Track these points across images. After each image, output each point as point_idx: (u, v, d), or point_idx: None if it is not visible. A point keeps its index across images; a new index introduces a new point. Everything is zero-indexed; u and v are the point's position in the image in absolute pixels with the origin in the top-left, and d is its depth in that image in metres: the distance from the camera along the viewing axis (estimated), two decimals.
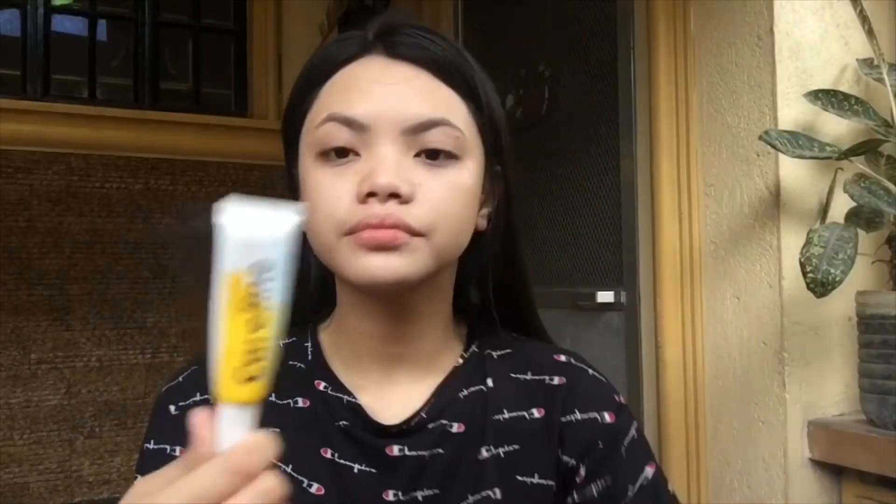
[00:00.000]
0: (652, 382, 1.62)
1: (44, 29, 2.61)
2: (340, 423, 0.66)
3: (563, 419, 0.69)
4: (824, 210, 1.34)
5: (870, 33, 1.31)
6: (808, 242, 1.18)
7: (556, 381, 0.71)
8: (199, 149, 2.66)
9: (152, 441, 0.66)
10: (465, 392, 0.69)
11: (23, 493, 2.41)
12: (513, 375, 0.71)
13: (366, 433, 0.65)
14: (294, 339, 0.72)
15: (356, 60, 0.64)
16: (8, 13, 2.61)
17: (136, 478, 0.63)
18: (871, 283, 1.37)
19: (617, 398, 0.71)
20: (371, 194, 0.58)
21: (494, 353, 0.73)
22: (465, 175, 0.63)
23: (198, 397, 0.67)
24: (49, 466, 2.45)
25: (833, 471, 1.36)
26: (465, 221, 0.64)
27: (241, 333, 0.39)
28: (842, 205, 1.30)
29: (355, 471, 0.65)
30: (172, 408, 0.67)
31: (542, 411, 0.69)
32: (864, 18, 1.31)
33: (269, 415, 0.62)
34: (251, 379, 0.40)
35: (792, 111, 1.38)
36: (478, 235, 0.68)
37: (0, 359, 2.40)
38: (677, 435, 1.55)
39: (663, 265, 1.58)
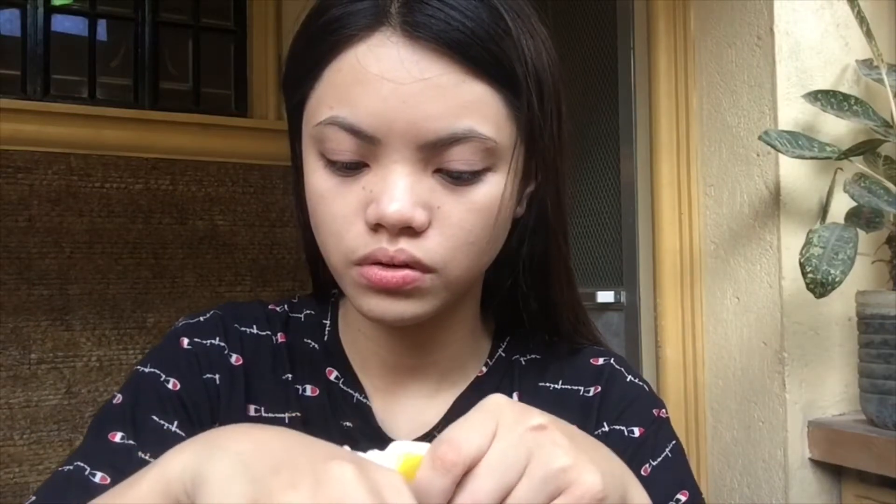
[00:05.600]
0: (652, 382, 1.62)
1: (44, 29, 2.61)
2: (345, 423, 0.59)
3: (594, 432, 0.60)
4: (824, 210, 1.34)
5: (868, 34, 1.31)
6: (808, 243, 1.18)
7: (592, 391, 0.63)
8: (199, 149, 2.65)
9: (148, 365, 0.60)
10: None
11: (23, 493, 2.41)
12: (541, 385, 0.63)
13: (370, 442, 0.57)
14: (312, 312, 0.66)
15: (367, 39, 0.50)
16: (8, 13, 2.61)
17: (114, 396, 0.58)
18: (871, 283, 1.37)
19: (656, 412, 0.63)
20: (380, 224, 0.51)
21: (523, 359, 0.65)
22: (494, 188, 0.53)
23: (216, 340, 0.61)
24: (49, 466, 2.44)
25: (833, 471, 1.36)
26: (490, 242, 0.55)
27: None
28: (842, 205, 1.30)
29: None
30: (186, 340, 0.60)
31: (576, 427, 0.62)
32: (861, 19, 1.31)
33: (286, 399, 0.60)
34: None
35: (792, 111, 1.38)
36: (514, 221, 0.59)
37: (0, 359, 2.40)
38: (677, 435, 1.55)
39: (663, 265, 1.58)
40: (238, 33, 2.90)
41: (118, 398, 0.58)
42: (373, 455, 0.40)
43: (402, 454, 0.39)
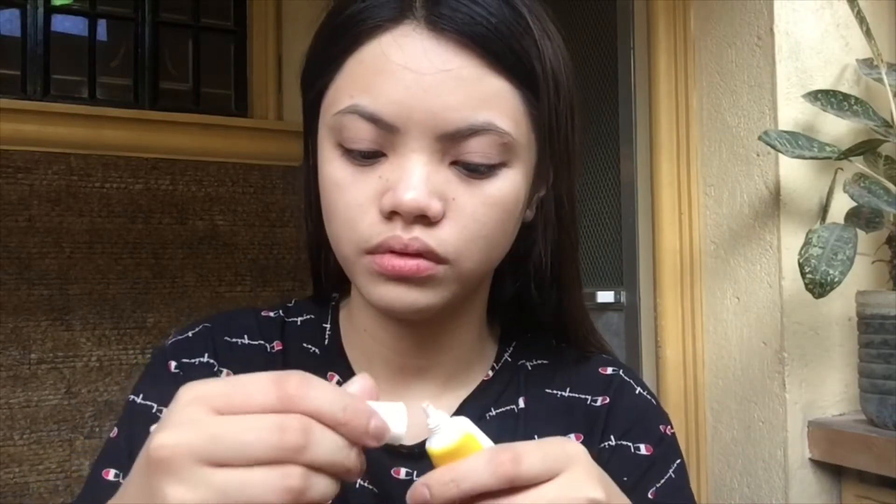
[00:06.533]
0: (652, 382, 1.62)
1: (44, 29, 2.61)
2: None
3: (600, 445, 0.60)
4: (824, 210, 1.34)
5: (867, 34, 1.31)
6: (807, 243, 1.18)
7: (600, 401, 0.62)
8: (199, 149, 2.65)
9: (141, 395, 0.59)
10: (493, 412, 0.61)
11: (23, 493, 2.41)
12: (549, 391, 0.63)
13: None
14: (311, 316, 0.65)
15: (391, 30, 0.51)
16: (8, 13, 2.61)
17: (112, 429, 0.59)
18: (871, 283, 1.37)
19: (662, 428, 0.63)
20: (395, 212, 0.51)
21: (529, 364, 0.64)
22: (509, 184, 0.53)
23: (205, 358, 0.60)
24: (49, 466, 2.44)
25: (833, 471, 1.36)
26: (502, 238, 0.55)
27: None
28: (842, 205, 1.30)
29: (356, 485, 0.57)
30: (173, 364, 0.60)
31: (581, 437, 0.61)
32: (861, 19, 1.31)
33: None
34: None
35: (792, 111, 1.38)
36: (524, 225, 0.59)
37: (0, 359, 2.40)
38: (677, 435, 1.55)
39: (663, 265, 1.58)
40: (238, 33, 2.90)
41: (115, 432, 0.59)
42: (438, 417, 0.41)
43: (465, 431, 0.41)
